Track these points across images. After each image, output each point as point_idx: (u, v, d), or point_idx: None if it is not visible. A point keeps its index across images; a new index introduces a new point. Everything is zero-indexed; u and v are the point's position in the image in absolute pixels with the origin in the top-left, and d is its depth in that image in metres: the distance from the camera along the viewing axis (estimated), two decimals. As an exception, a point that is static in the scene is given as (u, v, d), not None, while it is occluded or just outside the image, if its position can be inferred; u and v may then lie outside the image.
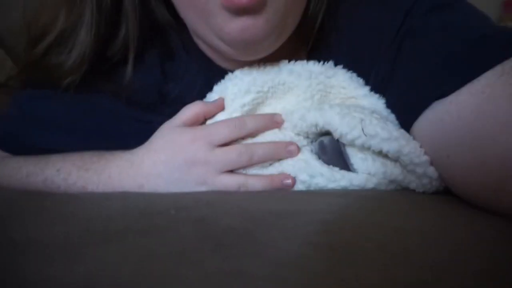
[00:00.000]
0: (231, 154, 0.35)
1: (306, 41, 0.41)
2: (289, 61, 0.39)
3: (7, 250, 0.16)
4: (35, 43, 0.42)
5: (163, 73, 0.43)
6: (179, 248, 0.18)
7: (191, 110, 0.38)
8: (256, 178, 0.35)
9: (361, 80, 0.39)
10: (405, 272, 0.17)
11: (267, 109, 0.39)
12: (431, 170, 0.33)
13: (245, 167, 0.35)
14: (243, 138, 0.37)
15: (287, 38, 0.38)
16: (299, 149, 0.36)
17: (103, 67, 0.41)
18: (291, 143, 0.36)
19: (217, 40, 0.36)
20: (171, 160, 0.35)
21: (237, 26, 0.33)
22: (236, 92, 0.38)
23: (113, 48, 0.42)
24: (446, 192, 0.33)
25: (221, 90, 0.39)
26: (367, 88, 0.39)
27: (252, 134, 0.37)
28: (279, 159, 0.36)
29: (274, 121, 0.37)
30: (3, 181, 0.39)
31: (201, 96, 0.41)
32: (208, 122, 0.39)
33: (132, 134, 0.39)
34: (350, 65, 0.39)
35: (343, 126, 0.33)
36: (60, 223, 0.20)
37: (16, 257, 0.15)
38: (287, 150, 0.35)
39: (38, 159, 0.40)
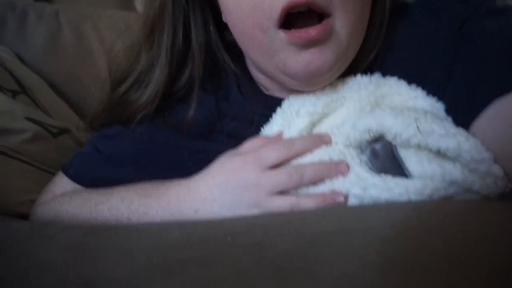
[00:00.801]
0: (281, 176, 0.35)
1: (360, 66, 0.42)
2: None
3: (77, 286, 0.17)
4: (117, 84, 0.48)
5: (218, 111, 0.46)
6: (238, 276, 0.18)
7: (251, 145, 0.40)
8: (308, 198, 0.35)
9: (414, 86, 0.38)
10: (471, 283, 0.16)
11: (322, 126, 0.39)
12: (496, 168, 0.31)
13: (295, 188, 0.35)
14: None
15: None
16: (349, 167, 0.35)
17: (167, 102, 0.46)
18: (340, 162, 0.35)
19: (280, 74, 0.38)
20: (224, 184, 0.37)
21: (303, 59, 0.35)
22: (291, 119, 0.39)
23: (179, 84, 0.46)
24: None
25: (277, 120, 0.41)
26: (423, 91, 0.38)
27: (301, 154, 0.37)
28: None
29: (323, 141, 0.37)
30: (75, 210, 0.44)
31: (257, 128, 0.43)
32: None
33: (190, 165, 0.41)
34: (404, 77, 0.39)
35: (397, 125, 0.32)
36: (125, 257, 0.21)
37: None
38: (337, 170, 0.35)
39: (105, 190, 0.44)
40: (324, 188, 0.35)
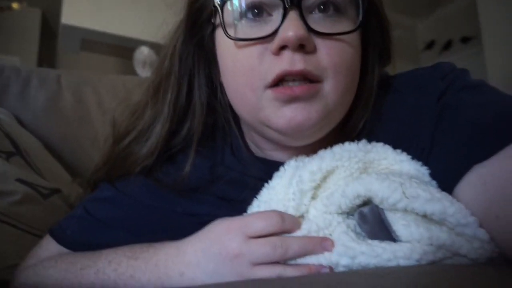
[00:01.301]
0: (265, 247, 0.34)
1: (350, 135, 0.44)
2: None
3: None
4: (120, 139, 0.49)
5: (211, 174, 0.46)
6: None
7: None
8: (294, 269, 0.34)
9: (399, 151, 0.40)
10: None
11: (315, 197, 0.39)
12: (482, 232, 0.31)
13: (279, 260, 0.34)
14: None
15: (332, 131, 0.42)
16: (333, 244, 0.34)
17: (164, 155, 0.47)
18: (325, 238, 0.34)
19: (267, 129, 0.40)
20: (207, 250, 0.36)
21: (284, 115, 0.37)
22: (285, 194, 0.39)
23: (177, 139, 0.47)
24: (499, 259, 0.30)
25: (269, 194, 0.41)
26: (408, 156, 0.39)
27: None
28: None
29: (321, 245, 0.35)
30: (60, 274, 0.43)
31: (251, 192, 0.43)
32: None
33: (181, 228, 0.41)
34: (390, 143, 0.40)
35: (383, 190, 0.33)
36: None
37: None
38: (322, 246, 0.34)
39: (92, 254, 0.43)
40: (311, 258, 0.34)
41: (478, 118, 0.35)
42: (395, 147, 0.40)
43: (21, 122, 0.80)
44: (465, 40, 3.51)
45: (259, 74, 0.38)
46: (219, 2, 0.39)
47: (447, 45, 3.70)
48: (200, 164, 0.47)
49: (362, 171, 0.39)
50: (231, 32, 0.39)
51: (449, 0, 3.49)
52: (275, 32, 0.36)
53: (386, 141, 0.40)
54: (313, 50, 0.37)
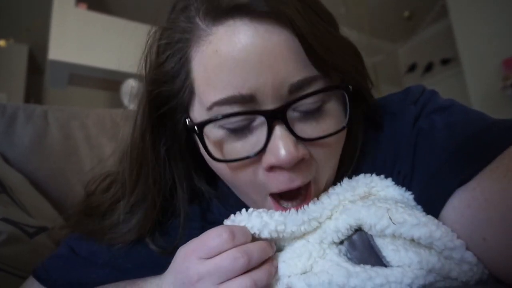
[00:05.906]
0: (224, 262, 0.32)
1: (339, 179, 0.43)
2: None
3: None
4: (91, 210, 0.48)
5: (203, 226, 0.46)
6: None
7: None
8: (260, 271, 0.33)
9: (383, 176, 0.40)
10: None
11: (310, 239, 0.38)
12: (469, 255, 0.31)
13: (244, 271, 0.32)
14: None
15: None
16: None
17: (154, 228, 0.45)
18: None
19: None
20: (176, 282, 0.35)
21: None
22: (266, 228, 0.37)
23: (166, 214, 0.46)
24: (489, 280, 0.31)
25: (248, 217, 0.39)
26: (393, 182, 0.40)
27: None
28: (310, 264, 0.35)
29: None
30: None
31: None
32: None
33: (168, 263, 0.40)
34: (373, 173, 0.41)
35: (370, 217, 0.33)
36: None
37: None
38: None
39: None
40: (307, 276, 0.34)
41: (452, 141, 0.35)
42: (377, 173, 0.41)
43: (7, 159, 0.79)
44: (445, 61, 3.65)
45: (259, 186, 0.37)
46: (197, 131, 0.36)
47: (428, 67, 3.83)
48: (191, 213, 0.46)
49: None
50: (217, 155, 0.36)
51: (426, 24, 3.64)
52: (263, 148, 0.34)
53: (369, 172, 0.41)
54: (308, 158, 0.35)
